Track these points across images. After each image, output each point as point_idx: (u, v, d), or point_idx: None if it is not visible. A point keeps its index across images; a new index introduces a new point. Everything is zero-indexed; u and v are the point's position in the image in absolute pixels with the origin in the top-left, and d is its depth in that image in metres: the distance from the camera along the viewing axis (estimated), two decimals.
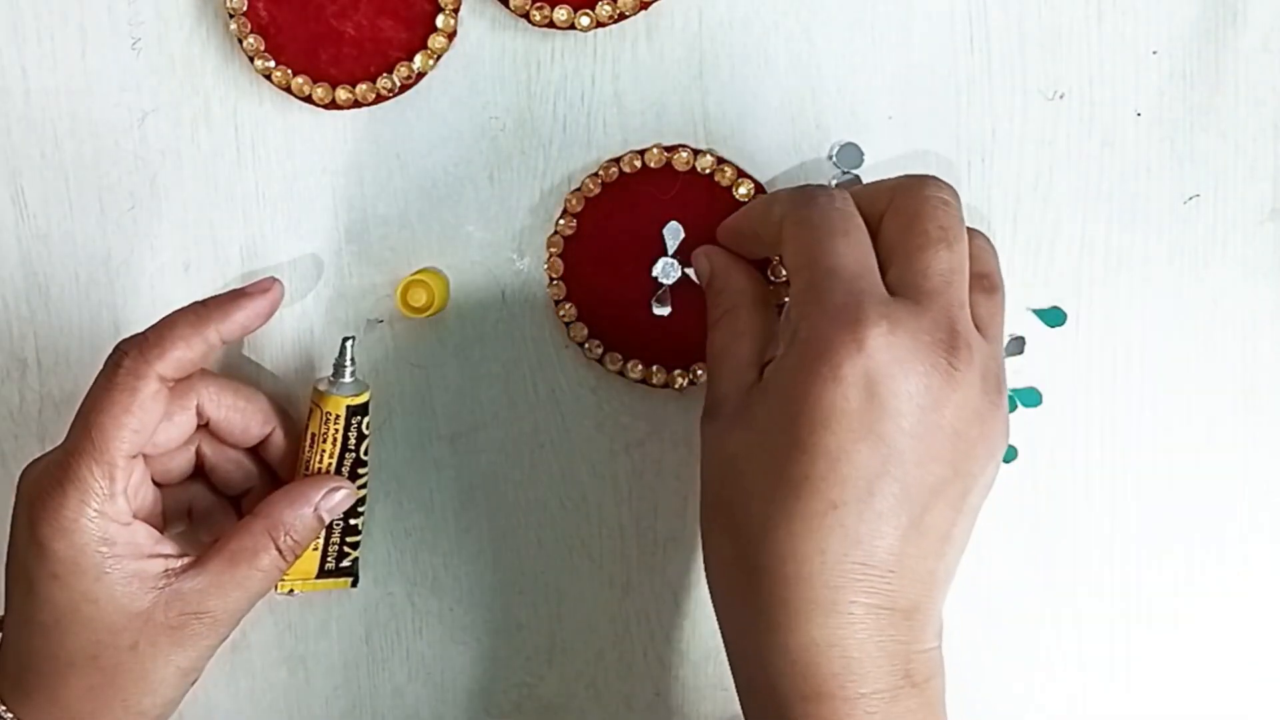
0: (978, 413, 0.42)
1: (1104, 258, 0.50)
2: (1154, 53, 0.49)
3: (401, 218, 0.52)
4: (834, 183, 0.50)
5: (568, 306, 0.51)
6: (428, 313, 0.50)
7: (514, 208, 0.51)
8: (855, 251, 0.43)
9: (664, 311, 0.51)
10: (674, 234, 0.51)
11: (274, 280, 0.50)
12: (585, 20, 0.50)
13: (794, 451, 0.41)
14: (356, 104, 0.51)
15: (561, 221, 0.51)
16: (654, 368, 0.51)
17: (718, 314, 0.48)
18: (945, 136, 0.50)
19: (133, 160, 0.52)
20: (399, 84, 0.50)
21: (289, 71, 0.50)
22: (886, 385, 0.41)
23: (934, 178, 0.45)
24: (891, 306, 0.42)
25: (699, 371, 0.51)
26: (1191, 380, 0.51)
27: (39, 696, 0.46)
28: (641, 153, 0.50)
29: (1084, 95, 0.50)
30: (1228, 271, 0.50)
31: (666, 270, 0.51)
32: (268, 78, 0.51)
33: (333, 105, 0.51)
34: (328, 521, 0.50)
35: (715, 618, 0.45)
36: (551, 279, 0.51)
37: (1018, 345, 0.51)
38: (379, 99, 0.51)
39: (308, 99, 0.51)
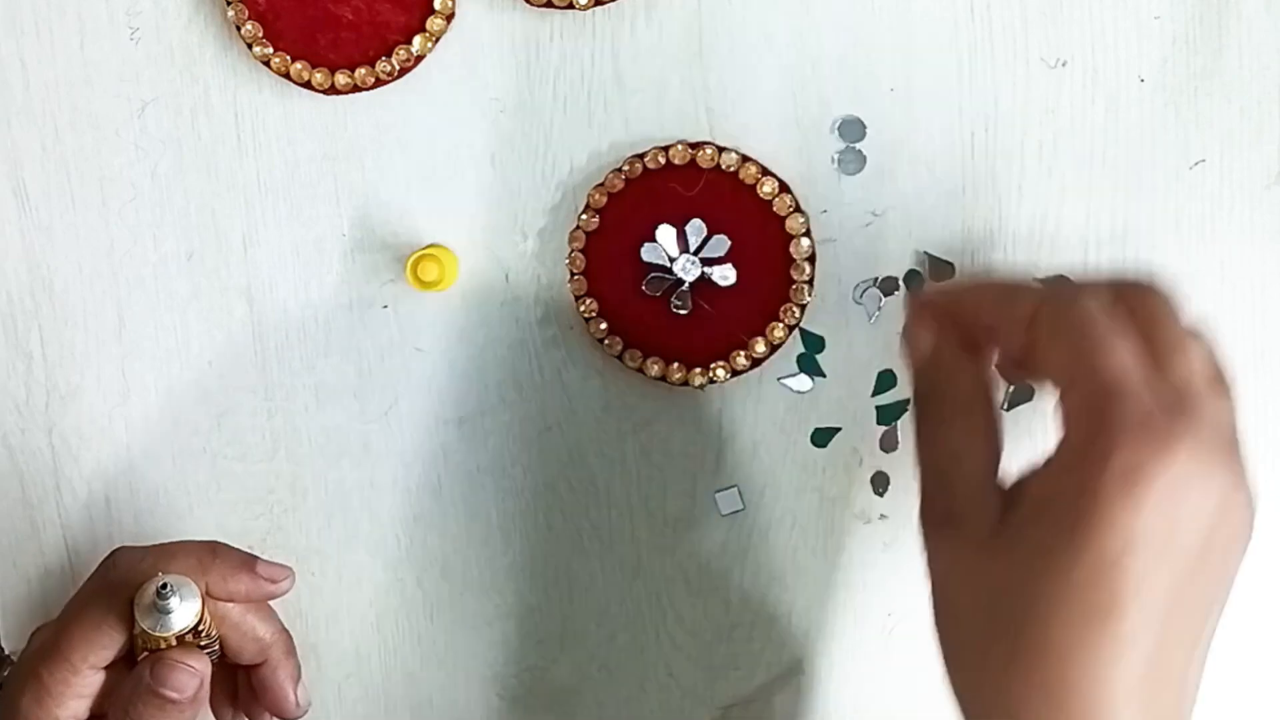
0: (1249, 517, 0.42)
1: (1110, 225, 0.50)
2: (1156, 18, 0.49)
3: (403, 201, 0.52)
4: (836, 157, 0.50)
5: (588, 301, 0.51)
6: (438, 286, 0.50)
7: (516, 189, 0.51)
8: (1137, 361, 0.42)
9: (683, 309, 0.51)
10: (696, 231, 0.50)
11: (289, 574, 0.49)
12: None
13: (1097, 577, 0.40)
14: (356, 88, 0.50)
15: (584, 216, 0.51)
16: (673, 365, 0.51)
17: (950, 410, 0.45)
18: (948, 107, 0.50)
19: (133, 150, 0.52)
20: (398, 67, 0.50)
21: (287, 57, 0.50)
22: (1189, 507, 0.40)
23: (1144, 279, 0.44)
24: (1184, 420, 0.40)
25: (717, 370, 0.51)
26: None
27: None
28: (666, 149, 0.50)
29: (1086, 63, 0.49)
30: (1235, 236, 0.50)
31: (687, 267, 0.51)
32: (266, 64, 0.50)
33: (332, 90, 0.51)
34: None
35: None
36: (573, 274, 0.51)
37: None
38: (378, 83, 0.51)
39: (307, 84, 0.51)
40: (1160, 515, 0.40)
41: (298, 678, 0.50)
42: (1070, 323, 0.42)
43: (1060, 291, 0.44)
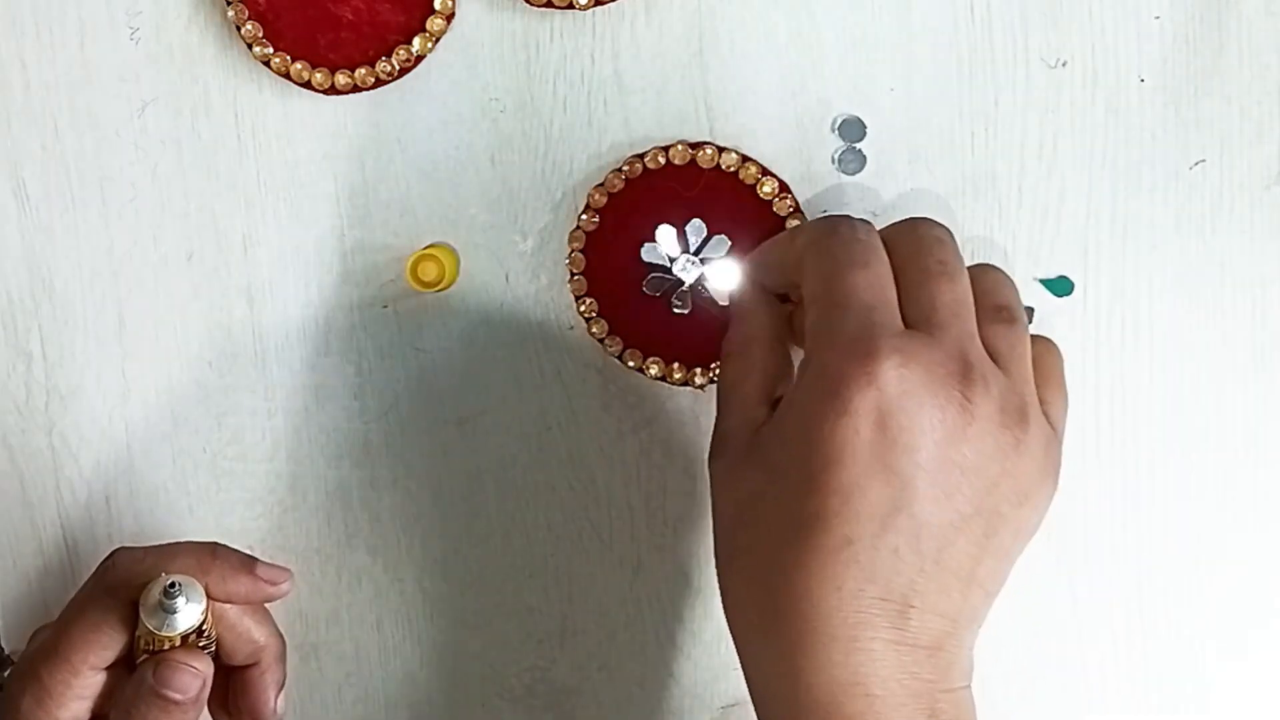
0: (998, 448, 0.41)
1: (1110, 225, 0.50)
2: (1156, 18, 0.49)
3: (403, 202, 0.52)
4: (837, 156, 0.50)
5: (588, 301, 0.51)
6: (438, 287, 0.50)
7: (516, 189, 0.51)
8: (873, 283, 0.43)
9: (683, 309, 0.51)
10: (696, 231, 0.50)
11: (288, 576, 0.49)
12: None
13: (806, 488, 0.41)
14: (356, 88, 0.50)
15: (584, 217, 0.51)
16: (674, 365, 0.51)
17: (732, 346, 0.47)
18: (948, 107, 0.50)
19: (133, 151, 0.52)
20: (398, 67, 0.50)
21: (287, 58, 0.50)
22: (898, 419, 0.40)
23: (927, 218, 0.45)
24: (905, 339, 0.41)
25: (718, 370, 0.51)
26: (1201, 346, 0.51)
27: None
28: (666, 149, 0.50)
29: (1086, 63, 0.49)
30: (1235, 236, 0.50)
31: (687, 267, 0.50)
32: (266, 64, 0.50)
33: (332, 90, 0.51)
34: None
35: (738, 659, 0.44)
36: (573, 274, 0.51)
37: (1027, 316, 0.51)
38: (378, 83, 0.50)
39: (307, 84, 0.50)
40: (864, 429, 0.40)
41: (282, 685, 0.50)
42: (822, 249, 0.44)
43: (830, 222, 0.45)
